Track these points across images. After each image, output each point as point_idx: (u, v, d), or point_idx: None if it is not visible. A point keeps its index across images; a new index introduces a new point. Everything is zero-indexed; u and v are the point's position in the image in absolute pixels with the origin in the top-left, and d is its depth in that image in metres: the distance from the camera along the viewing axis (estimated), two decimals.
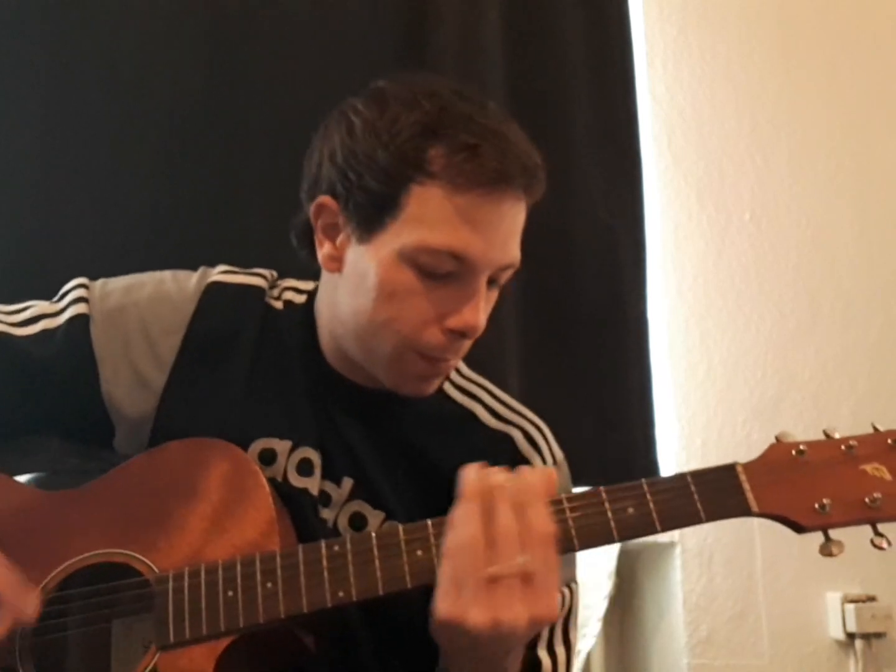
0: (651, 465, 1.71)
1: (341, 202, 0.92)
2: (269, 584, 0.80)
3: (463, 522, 0.77)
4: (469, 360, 1.45)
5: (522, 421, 1.04)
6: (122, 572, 0.85)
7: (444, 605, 0.75)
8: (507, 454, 1.00)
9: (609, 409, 1.69)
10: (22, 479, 1.10)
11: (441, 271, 0.88)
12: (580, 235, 1.72)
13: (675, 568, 1.74)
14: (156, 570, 0.84)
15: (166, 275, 1.04)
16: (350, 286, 0.94)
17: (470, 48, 1.67)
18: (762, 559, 1.75)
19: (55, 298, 1.03)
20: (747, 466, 0.81)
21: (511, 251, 0.91)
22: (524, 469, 0.80)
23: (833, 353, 1.89)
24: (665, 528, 0.79)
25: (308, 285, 1.06)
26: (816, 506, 0.77)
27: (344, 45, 1.59)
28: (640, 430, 1.71)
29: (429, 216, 0.87)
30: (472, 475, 0.79)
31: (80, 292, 1.01)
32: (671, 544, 1.75)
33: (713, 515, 0.79)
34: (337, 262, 0.95)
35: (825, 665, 1.75)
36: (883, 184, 1.99)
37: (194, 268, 1.46)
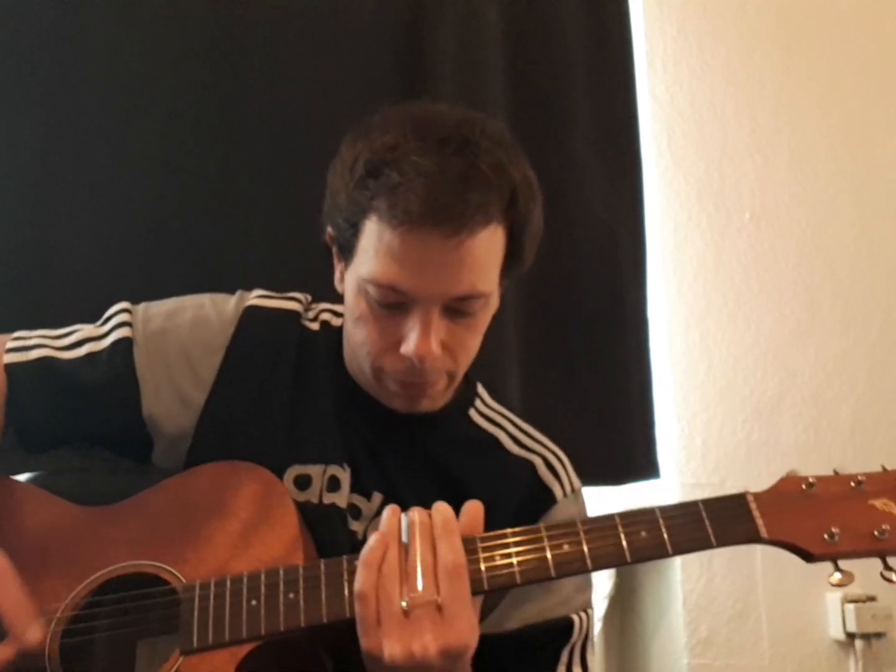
0: (651, 465, 1.71)
1: (334, 232, 0.99)
2: (291, 595, 0.82)
3: (377, 560, 0.80)
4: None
5: (543, 450, 1.07)
6: (152, 583, 0.89)
7: (365, 640, 0.78)
8: (527, 479, 1.04)
9: (609, 409, 1.69)
10: (22, 477, 1.11)
11: (387, 301, 0.92)
12: (580, 235, 1.72)
13: (675, 568, 1.74)
14: (183, 580, 0.87)
15: (205, 299, 1.09)
16: (346, 317, 1.02)
17: (470, 48, 1.67)
18: (762, 559, 1.75)
19: (99, 322, 1.08)
20: (757, 496, 0.82)
21: (458, 284, 0.91)
22: (438, 504, 0.84)
23: (833, 353, 1.89)
24: (677, 552, 0.80)
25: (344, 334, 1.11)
26: (825, 535, 0.77)
27: (344, 46, 1.59)
28: (640, 430, 1.71)
29: (371, 251, 0.91)
30: (387, 514, 0.83)
31: (124, 317, 1.06)
32: None
33: (724, 541, 0.80)
34: (342, 284, 1.02)
35: (825, 665, 1.75)
36: (883, 184, 1.99)
37: (196, 268, 1.47)
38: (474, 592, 0.80)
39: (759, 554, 1.75)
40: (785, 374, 1.86)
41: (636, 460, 1.69)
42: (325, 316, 1.10)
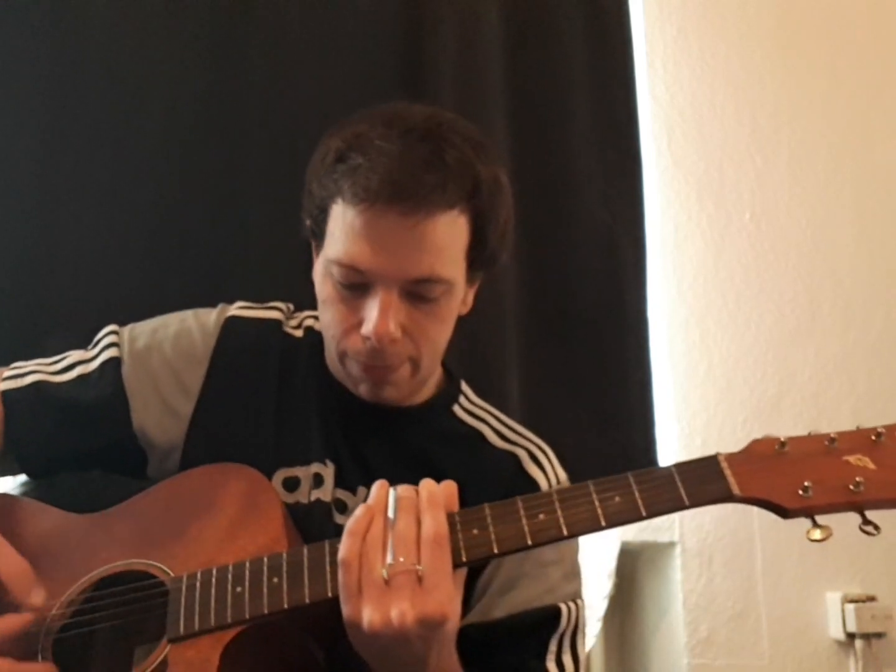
0: (651, 465, 1.70)
1: (309, 224, 1.03)
2: (274, 579, 0.84)
3: (362, 529, 0.81)
4: (470, 359, 1.45)
5: (527, 443, 1.08)
6: (143, 580, 0.91)
7: (346, 608, 0.79)
8: (511, 471, 1.04)
9: (609, 409, 1.69)
10: (21, 479, 1.11)
11: (349, 282, 0.95)
12: (580, 235, 1.72)
13: (675, 568, 1.74)
14: (172, 575, 0.89)
15: (188, 314, 1.12)
16: (318, 299, 1.03)
17: (470, 48, 1.67)
18: (762, 559, 1.75)
19: (89, 346, 1.11)
20: (729, 456, 0.82)
21: (416, 265, 0.93)
22: (425, 481, 0.84)
23: (833, 353, 1.89)
24: (651, 515, 0.81)
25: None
26: (799, 490, 0.77)
27: (344, 46, 1.59)
28: (640, 430, 1.71)
29: (336, 232, 0.95)
30: (375, 488, 0.85)
31: (112, 338, 1.10)
32: (671, 544, 1.75)
33: (696, 501, 0.80)
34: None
35: (825, 665, 1.75)
36: (883, 184, 2.00)
37: (196, 269, 1.47)
38: (454, 565, 0.81)
39: (759, 554, 1.75)
40: (785, 374, 1.86)
41: (636, 460, 1.69)
42: (309, 322, 1.13)
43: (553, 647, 0.98)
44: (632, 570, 1.83)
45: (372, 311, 0.94)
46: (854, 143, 1.99)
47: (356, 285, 0.95)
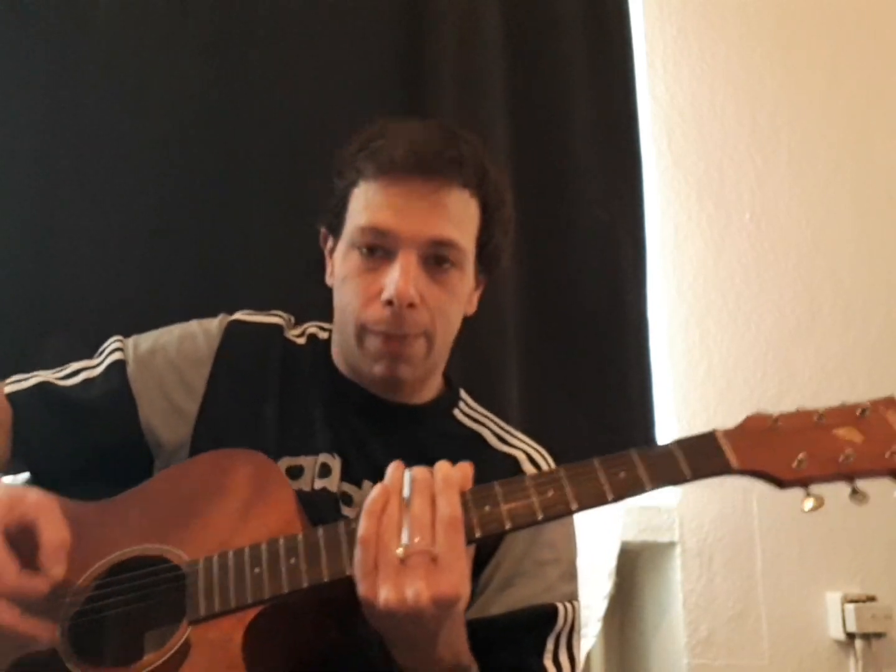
0: None
1: (326, 224, 1.10)
2: (292, 560, 0.86)
3: (378, 509, 0.83)
4: (470, 358, 1.45)
5: (526, 446, 1.12)
6: (155, 565, 0.92)
7: (362, 586, 0.81)
8: (511, 473, 1.05)
9: (609, 410, 1.69)
10: (23, 477, 1.11)
11: (372, 244, 1.02)
12: (580, 235, 1.72)
13: (675, 568, 1.74)
14: (186, 559, 0.90)
15: (191, 322, 1.16)
16: (335, 288, 1.09)
17: (470, 48, 1.67)
18: (762, 559, 1.75)
19: (94, 356, 1.14)
20: (726, 432, 0.86)
21: (434, 227, 1.01)
22: (440, 463, 0.86)
23: (833, 353, 1.89)
24: (654, 487, 0.84)
25: (333, 325, 1.16)
26: (794, 463, 0.81)
27: (345, 47, 1.60)
28: (640, 430, 1.71)
29: (359, 207, 1.03)
30: (391, 469, 0.86)
31: (116, 345, 1.14)
32: (671, 544, 1.75)
33: (698, 474, 0.84)
34: (332, 277, 1.10)
35: (825, 665, 1.75)
36: (883, 184, 1.99)
37: (196, 270, 1.48)
38: (468, 541, 0.82)
39: (759, 554, 1.75)
40: (785, 374, 1.86)
41: None
42: (312, 330, 1.18)
43: (550, 645, 1.00)
44: (632, 570, 1.83)
45: (393, 274, 0.99)
46: (854, 143, 1.99)
47: (378, 250, 1.01)
